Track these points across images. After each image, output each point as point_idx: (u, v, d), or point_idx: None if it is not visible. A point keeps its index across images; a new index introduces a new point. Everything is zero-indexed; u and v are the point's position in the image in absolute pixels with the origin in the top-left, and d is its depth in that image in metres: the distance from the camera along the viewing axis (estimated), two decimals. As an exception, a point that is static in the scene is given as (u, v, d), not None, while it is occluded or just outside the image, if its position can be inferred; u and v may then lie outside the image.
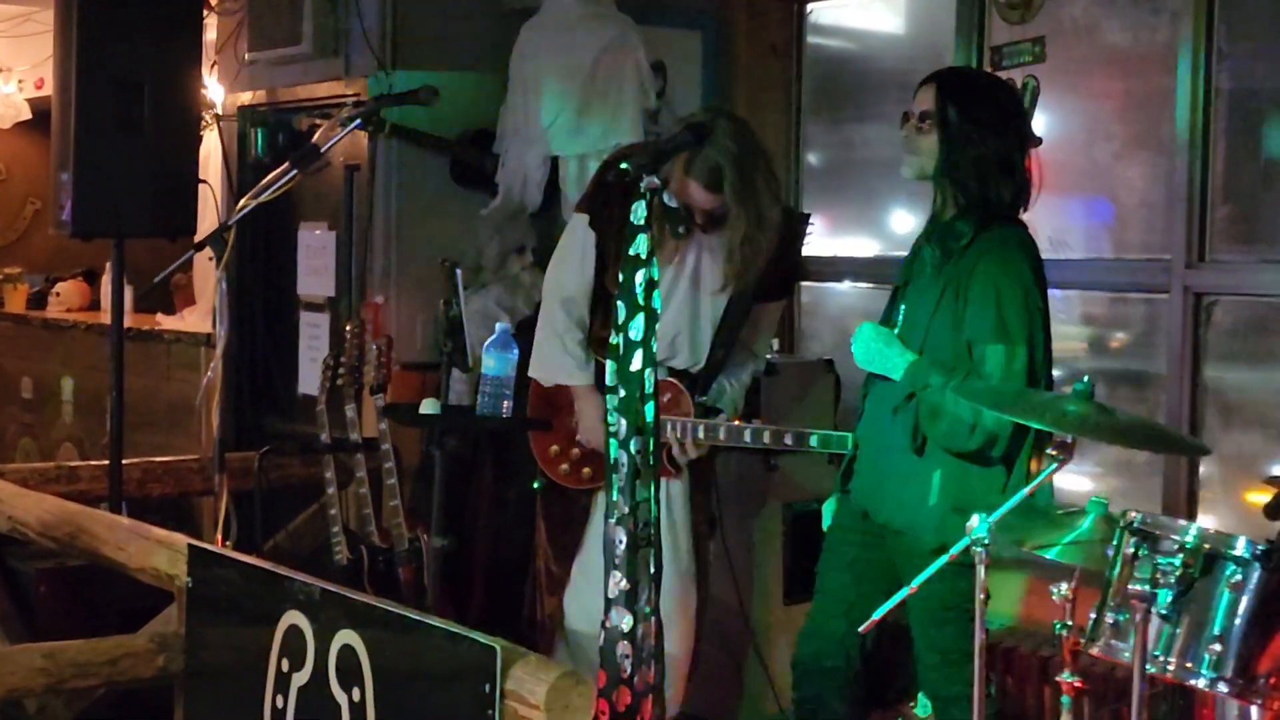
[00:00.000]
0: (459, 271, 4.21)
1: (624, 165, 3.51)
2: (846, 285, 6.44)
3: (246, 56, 6.58)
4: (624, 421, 3.52)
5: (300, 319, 6.66)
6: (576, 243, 4.55)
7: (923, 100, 4.03)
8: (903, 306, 4.08)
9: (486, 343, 4.19)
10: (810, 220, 6.28)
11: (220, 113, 6.96)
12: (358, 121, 4.51)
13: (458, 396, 5.14)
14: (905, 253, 4.26)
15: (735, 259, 4.37)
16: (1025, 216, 4.11)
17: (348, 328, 5.65)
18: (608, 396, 3.60)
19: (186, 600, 4.02)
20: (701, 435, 4.39)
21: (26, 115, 9.08)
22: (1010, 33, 5.53)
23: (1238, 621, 2.87)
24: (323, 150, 4.52)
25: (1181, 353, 5.18)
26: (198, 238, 5.03)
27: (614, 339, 3.55)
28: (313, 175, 6.52)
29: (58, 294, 8.88)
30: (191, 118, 5.34)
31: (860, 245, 6.40)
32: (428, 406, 4.19)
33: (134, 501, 6.71)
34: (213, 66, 7.09)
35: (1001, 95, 4.20)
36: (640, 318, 3.50)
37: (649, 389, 3.51)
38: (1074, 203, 5.50)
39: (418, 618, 3.36)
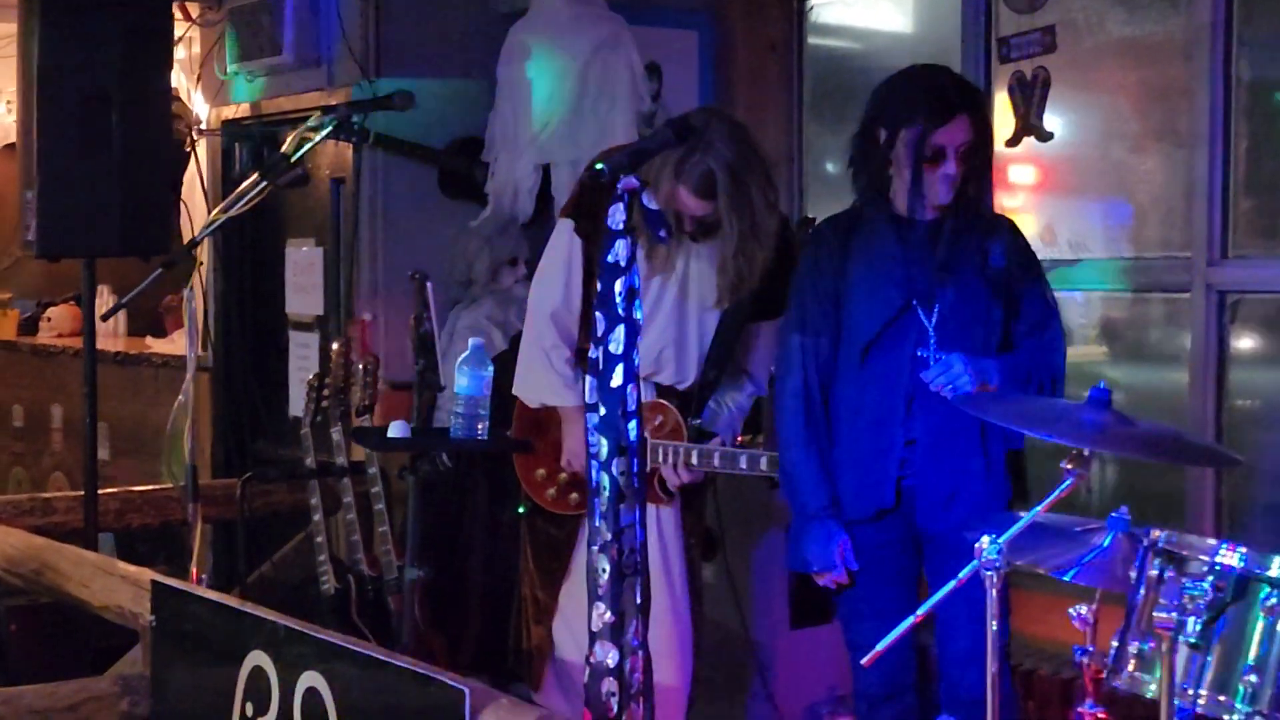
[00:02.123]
0: (429, 285, 3.97)
1: (599, 166, 3.27)
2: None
3: (229, 68, 6.36)
4: (605, 441, 3.28)
5: (289, 339, 6.44)
6: (561, 250, 4.29)
7: (958, 133, 3.81)
8: (930, 323, 3.84)
9: (459, 360, 3.95)
10: (813, 223, 6.09)
11: (205, 127, 6.76)
12: (327, 130, 4.26)
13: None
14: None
15: (728, 271, 4.11)
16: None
17: (333, 347, 5.43)
18: (588, 415, 3.37)
19: (151, 640, 3.78)
20: (696, 460, 4.14)
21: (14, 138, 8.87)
22: (1018, 23, 5.29)
23: (1276, 649, 2.61)
24: (293, 159, 4.29)
25: (1205, 354, 4.93)
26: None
27: (593, 353, 3.31)
28: (299, 190, 6.35)
29: (49, 319, 8.68)
30: (163, 132, 5.10)
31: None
32: (396, 430, 3.94)
33: (124, 533, 6.52)
34: (197, 81, 6.89)
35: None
36: (621, 330, 3.26)
37: (631, 406, 3.27)
38: (1088, 201, 5.24)
39: (385, 658, 3.11)
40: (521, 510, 4.39)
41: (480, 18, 5.92)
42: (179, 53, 7.06)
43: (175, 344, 7.37)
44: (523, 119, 5.64)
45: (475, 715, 2.86)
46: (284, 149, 4.25)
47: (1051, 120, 5.19)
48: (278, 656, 3.37)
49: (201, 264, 4.57)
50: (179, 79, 7.11)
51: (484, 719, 2.87)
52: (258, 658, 3.41)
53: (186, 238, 6.25)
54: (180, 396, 4.50)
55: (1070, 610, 3.15)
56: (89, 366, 5.25)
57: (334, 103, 5.83)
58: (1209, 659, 2.65)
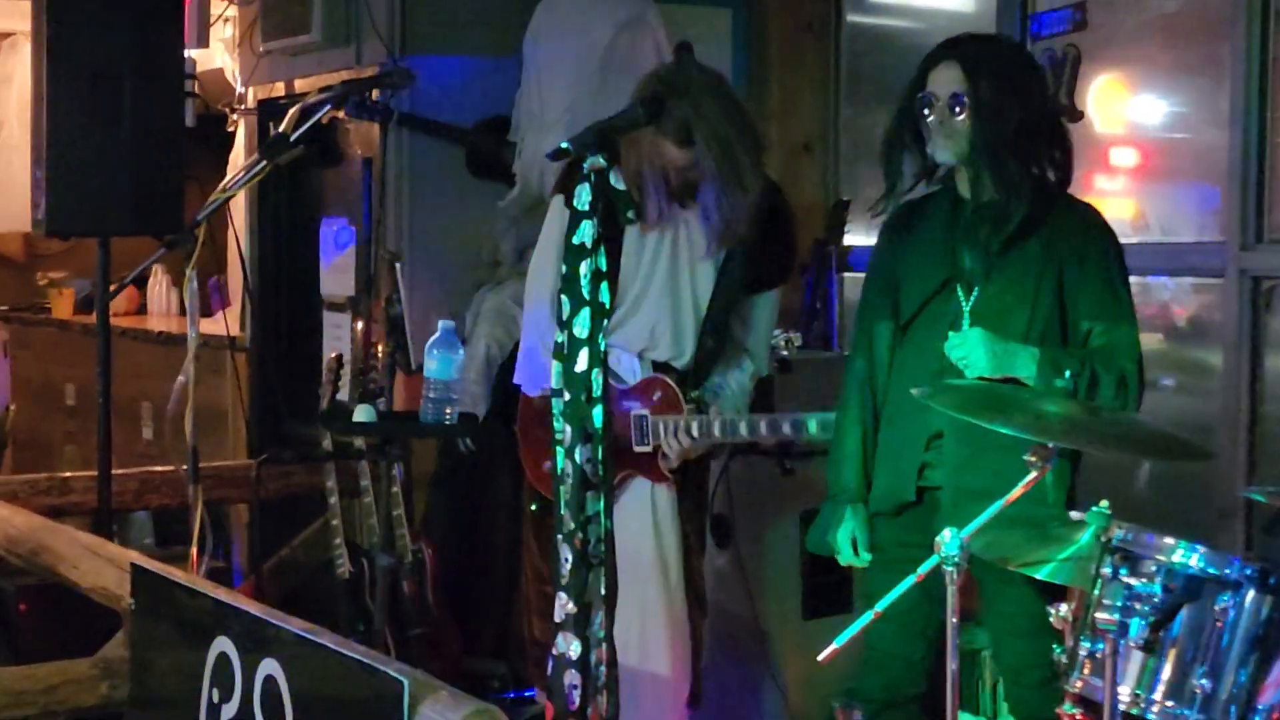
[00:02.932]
0: (399, 266, 3.89)
1: (564, 145, 3.20)
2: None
3: (261, 47, 6.32)
4: (570, 428, 3.21)
5: (324, 319, 6.40)
6: (555, 230, 4.18)
7: (946, 81, 3.67)
8: (966, 305, 3.69)
9: (429, 343, 3.87)
10: (848, 207, 5.97)
11: (246, 106, 6.73)
12: (326, 107, 4.21)
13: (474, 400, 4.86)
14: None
15: (713, 217, 3.98)
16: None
17: (356, 327, 5.38)
18: (553, 401, 3.29)
19: (131, 623, 3.75)
20: (695, 432, 4.02)
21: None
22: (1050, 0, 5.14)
23: (1231, 654, 2.47)
24: (292, 139, 4.23)
25: (1238, 342, 4.76)
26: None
27: (559, 336, 3.24)
28: (334, 169, 6.34)
29: (109, 298, 8.67)
30: (175, 111, 5.05)
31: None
32: (362, 414, 3.87)
33: (161, 513, 6.51)
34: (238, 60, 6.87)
35: (1025, 58, 3.91)
36: (586, 313, 3.19)
37: (596, 391, 3.19)
38: (1120, 184, 5.09)
39: (334, 647, 3.05)
40: (535, 508, 4.27)
41: (508, -5, 5.84)
42: (225, 31, 7.05)
43: (217, 323, 7.34)
44: (548, 98, 5.53)
45: (414, 706, 2.80)
46: (282, 128, 4.19)
47: (1081, 98, 5.03)
48: (241, 644, 3.32)
49: (203, 244, 4.49)
50: (224, 59, 7.11)
51: (423, 709, 2.79)
52: (223, 644, 3.37)
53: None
54: (180, 377, 4.47)
55: (1049, 609, 3.03)
56: (102, 344, 5.25)
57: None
58: (1164, 663, 2.52)
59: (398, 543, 5.13)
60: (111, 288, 4.97)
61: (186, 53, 6.63)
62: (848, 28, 6.13)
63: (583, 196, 3.18)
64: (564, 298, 3.19)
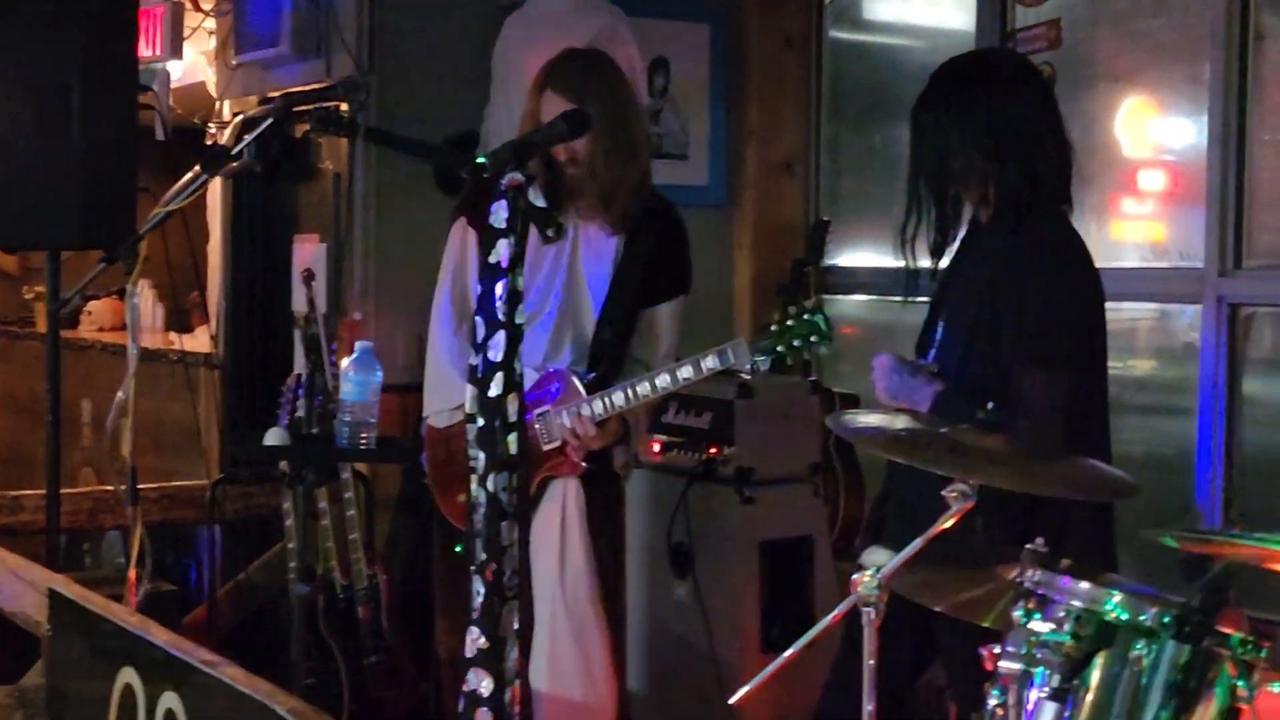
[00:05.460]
0: (314, 285, 3.77)
1: (480, 159, 3.07)
2: (869, 299, 5.92)
3: (234, 60, 6.22)
4: (483, 454, 3.07)
5: (295, 335, 6.28)
6: (454, 248, 4.03)
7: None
8: (940, 326, 3.55)
9: (344, 365, 3.74)
10: (829, 227, 5.84)
11: (223, 120, 6.62)
12: (270, 121, 4.08)
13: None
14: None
15: (599, 175, 3.82)
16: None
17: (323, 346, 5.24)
18: (468, 427, 3.15)
19: (47, 650, 3.63)
20: (600, 409, 3.82)
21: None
22: (1026, 17, 5.00)
23: (1148, 708, 2.32)
24: (233, 152, 4.11)
25: (1216, 370, 4.62)
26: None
27: (472, 359, 3.10)
28: (306, 184, 6.23)
29: (89, 313, 8.60)
30: (127, 122, 4.92)
31: (884, 255, 5.85)
32: (273, 437, 3.74)
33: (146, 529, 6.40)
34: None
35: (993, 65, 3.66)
36: (501, 336, 3.05)
37: (511, 417, 3.05)
38: (1092, 206, 4.95)
39: (231, 682, 2.93)
40: (459, 549, 4.05)
41: (480, 9, 5.72)
42: (208, 44, 6.95)
43: (197, 339, 7.25)
44: (517, 113, 5.41)
45: (302, 748, 2.68)
46: (224, 140, 4.07)
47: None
48: (146, 675, 3.21)
49: (148, 259, 4.38)
50: (207, 71, 7.01)
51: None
52: (129, 675, 3.27)
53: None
54: (119, 393, 4.35)
55: (981, 650, 2.87)
56: (50, 361, 5.12)
57: (334, 95, 5.72)
58: (1078, 713, 2.37)
59: (353, 568, 5.00)
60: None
61: (164, 64, 6.59)
62: (829, 43, 6.02)
63: (500, 214, 3.04)
64: (478, 319, 3.06)
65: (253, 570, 5.61)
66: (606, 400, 3.80)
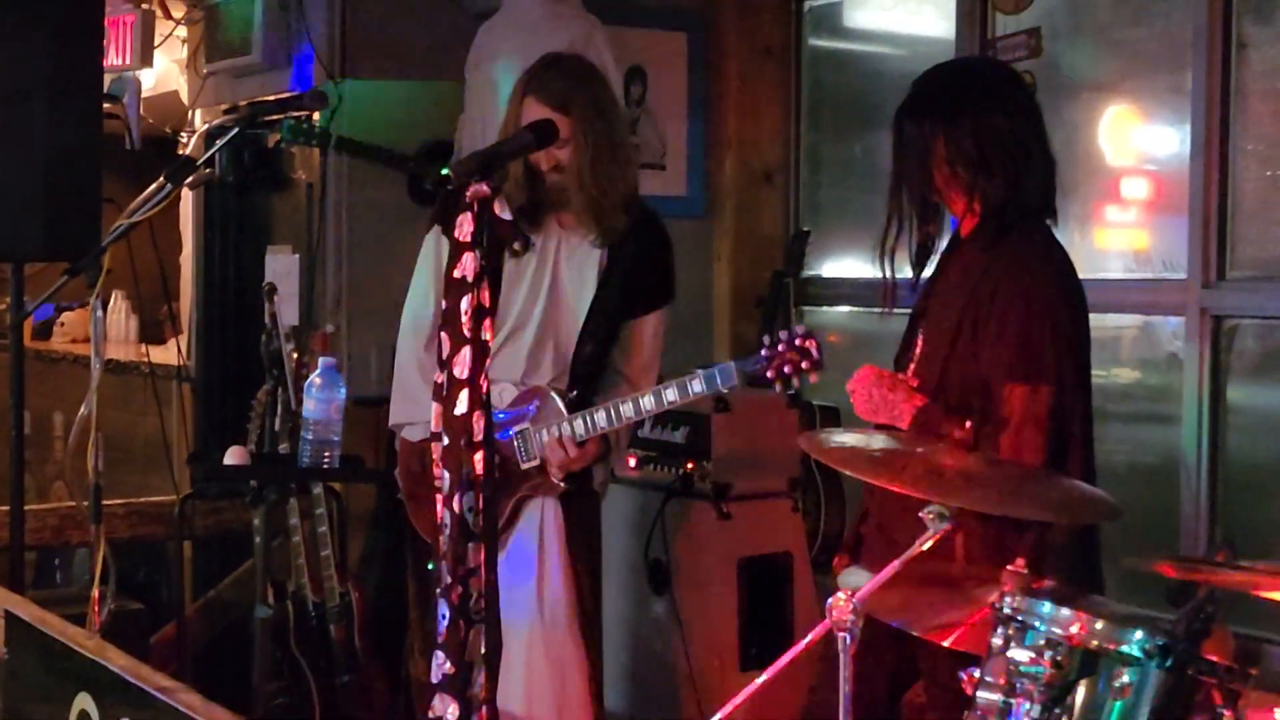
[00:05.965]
0: (277, 298, 3.68)
1: (444, 170, 2.99)
2: (849, 310, 5.85)
3: (205, 69, 6.13)
4: (448, 474, 2.99)
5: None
6: (428, 259, 3.95)
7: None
8: (921, 338, 3.47)
9: (307, 380, 3.66)
10: (808, 238, 5.76)
11: (195, 130, 6.54)
12: (234, 131, 3.99)
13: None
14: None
15: (586, 185, 3.71)
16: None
17: (292, 358, 5.16)
18: (432, 445, 3.07)
19: (3, 673, 3.53)
20: (582, 429, 3.74)
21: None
22: (1006, 25, 4.94)
23: (1134, 737, 2.25)
24: (198, 162, 4.03)
25: (1200, 381, 4.56)
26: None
27: (438, 376, 3.02)
28: (279, 194, 6.14)
29: (63, 324, 8.50)
30: (92, 131, 4.82)
31: (865, 266, 5.78)
32: (232, 456, 3.65)
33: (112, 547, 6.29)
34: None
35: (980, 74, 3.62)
36: (466, 352, 2.97)
37: (478, 435, 2.97)
38: (1075, 218, 4.88)
39: (184, 709, 2.83)
40: (432, 567, 3.97)
41: (452, 18, 5.64)
42: (180, 52, 6.86)
43: (169, 351, 7.15)
44: (491, 123, 5.33)
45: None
46: (188, 150, 3.99)
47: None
48: (101, 701, 3.11)
49: (110, 271, 4.29)
50: (180, 80, 6.92)
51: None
52: (84, 701, 3.15)
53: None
54: (83, 409, 4.27)
55: (960, 674, 2.79)
56: (15, 373, 5.03)
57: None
58: (1062, 744, 2.29)
59: (325, 585, 4.92)
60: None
61: (135, 73, 6.50)
62: (809, 51, 5.95)
63: (464, 227, 2.96)
64: (443, 335, 2.98)
65: (223, 587, 5.53)
66: (589, 420, 3.71)
